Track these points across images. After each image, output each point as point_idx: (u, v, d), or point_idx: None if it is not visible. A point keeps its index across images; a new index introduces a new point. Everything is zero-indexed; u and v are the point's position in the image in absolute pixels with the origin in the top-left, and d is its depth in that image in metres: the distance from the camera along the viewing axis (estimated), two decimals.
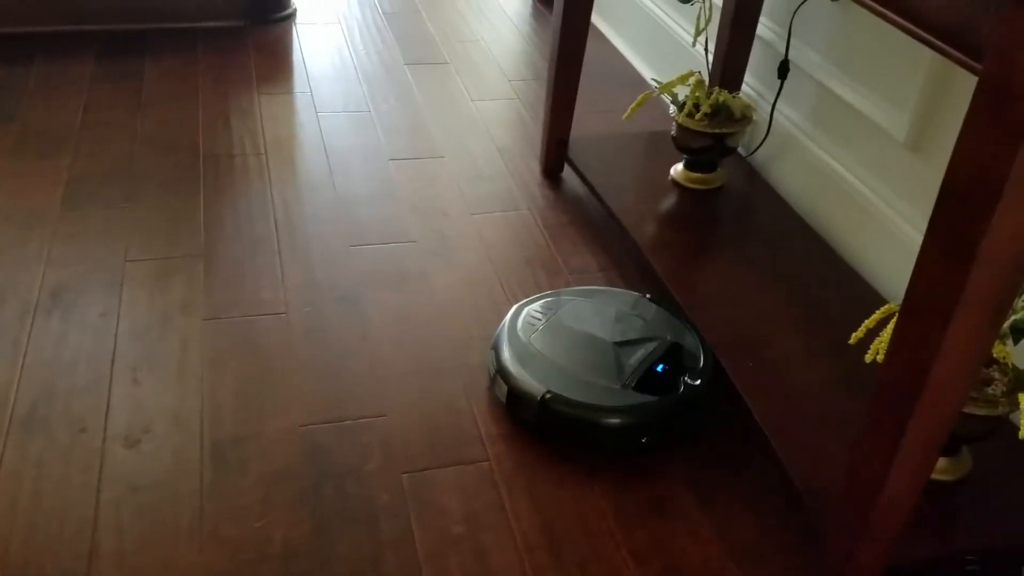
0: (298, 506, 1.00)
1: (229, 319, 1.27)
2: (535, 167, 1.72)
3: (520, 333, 1.17)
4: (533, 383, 1.09)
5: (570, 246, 1.51)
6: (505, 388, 1.11)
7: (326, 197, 1.57)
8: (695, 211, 1.50)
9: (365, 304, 1.32)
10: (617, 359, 1.11)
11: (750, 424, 1.06)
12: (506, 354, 1.14)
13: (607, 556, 0.97)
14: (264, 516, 0.99)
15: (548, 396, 1.07)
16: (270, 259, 1.40)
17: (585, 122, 1.79)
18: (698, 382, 1.09)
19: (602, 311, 1.21)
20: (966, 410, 0.92)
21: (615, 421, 1.06)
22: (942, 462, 0.99)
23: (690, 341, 1.18)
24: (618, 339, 1.15)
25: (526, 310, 1.22)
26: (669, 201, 1.53)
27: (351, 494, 1.02)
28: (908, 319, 0.75)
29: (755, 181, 1.60)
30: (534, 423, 1.10)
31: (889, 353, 0.78)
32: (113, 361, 1.18)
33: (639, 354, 1.12)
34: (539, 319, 1.19)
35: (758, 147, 1.64)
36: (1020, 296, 0.95)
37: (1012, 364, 0.92)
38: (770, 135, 1.61)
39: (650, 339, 1.15)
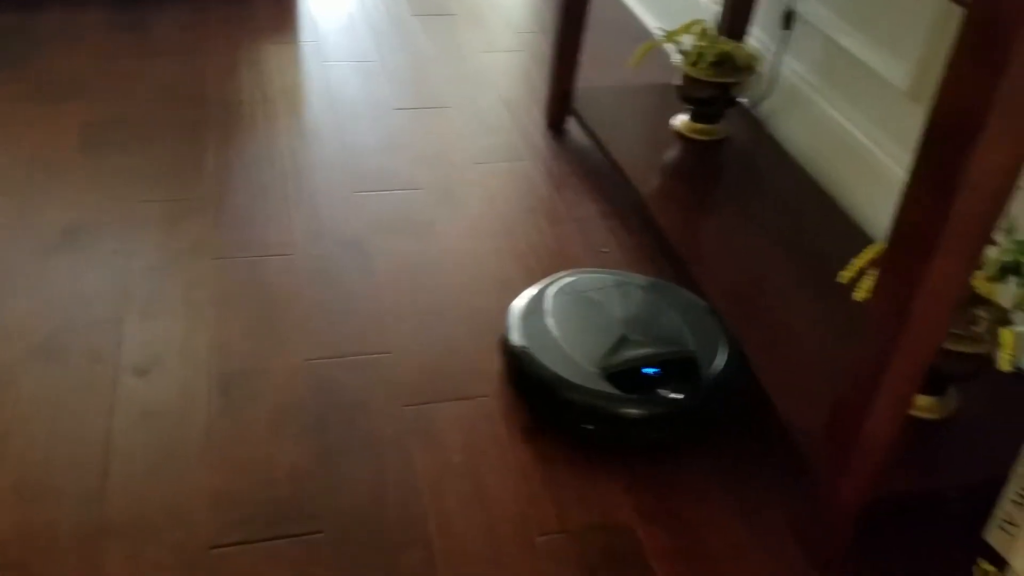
0: (305, 435, 1.04)
1: (238, 260, 1.30)
2: (539, 119, 1.74)
3: (549, 294, 1.15)
4: (518, 337, 1.09)
5: (573, 196, 1.53)
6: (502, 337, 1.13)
7: (332, 145, 1.59)
8: (698, 162, 1.52)
9: (371, 248, 1.35)
10: (616, 347, 1.06)
11: (754, 378, 1.09)
12: (517, 307, 1.14)
13: (602, 486, 1.01)
14: (272, 443, 1.02)
15: (520, 350, 1.07)
16: (278, 204, 1.42)
17: (590, 74, 1.80)
18: (680, 396, 1.01)
19: (644, 304, 1.14)
20: (952, 348, 0.94)
21: (565, 397, 1.02)
22: (928, 401, 1.02)
23: (724, 362, 1.07)
24: (634, 331, 1.08)
25: (577, 277, 1.19)
26: (672, 152, 1.55)
27: (356, 425, 1.06)
28: (894, 252, 0.77)
29: (759, 133, 1.61)
30: (511, 375, 1.10)
31: (876, 287, 0.80)
32: (126, 297, 1.21)
33: (640, 351, 1.05)
34: (576, 290, 1.16)
35: (763, 99, 1.65)
36: (1006, 236, 0.97)
37: (996, 302, 0.94)
38: (775, 87, 1.62)
39: (668, 342, 1.07)
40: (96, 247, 1.30)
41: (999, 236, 0.98)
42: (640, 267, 1.36)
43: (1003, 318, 0.94)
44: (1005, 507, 0.75)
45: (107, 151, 1.51)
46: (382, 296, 1.26)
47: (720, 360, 1.07)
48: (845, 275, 1.00)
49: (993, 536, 0.77)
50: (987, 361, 0.97)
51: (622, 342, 1.07)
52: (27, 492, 0.95)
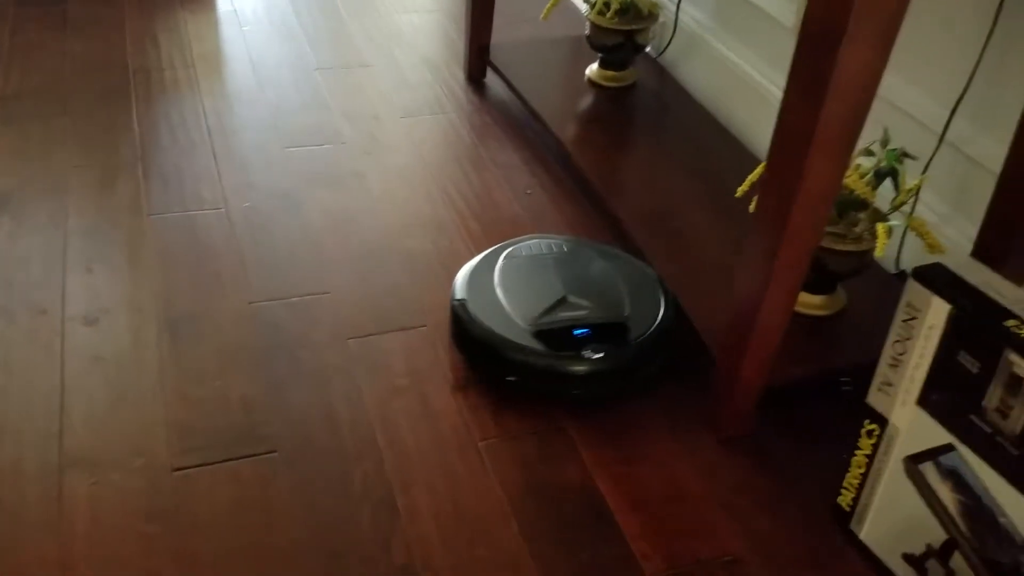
0: (254, 369, 1.10)
1: (173, 216, 1.34)
2: (459, 74, 1.81)
3: (502, 255, 1.18)
4: (460, 289, 1.13)
5: (496, 144, 1.60)
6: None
7: (256, 105, 1.63)
8: (610, 107, 1.61)
9: (303, 199, 1.40)
10: (552, 307, 1.10)
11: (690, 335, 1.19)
12: (468, 265, 1.18)
13: (535, 399, 1.10)
14: (223, 379, 1.08)
15: (457, 302, 1.12)
16: (206, 162, 1.46)
17: (506, 29, 1.87)
18: (599, 356, 1.05)
19: (592, 268, 1.17)
20: (837, 247, 1.06)
21: (491, 347, 1.07)
22: (820, 299, 1.13)
23: (655, 328, 1.10)
24: (574, 294, 1.12)
25: (530, 242, 1.21)
26: (586, 99, 1.64)
27: (302, 358, 1.12)
28: (775, 156, 0.87)
29: (664, 78, 1.71)
30: (451, 327, 1.14)
31: (762, 189, 0.90)
32: (65, 255, 1.24)
33: (574, 313, 1.09)
34: (527, 251, 1.19)
35: (666, 47, 1.75)
36: (885, 147, 1.09)
37: (874, 205, 1.06)
38: (676, 35, 1.72)
39: (604, 307, 1.10)
40: (30, 212, 1.32)
41: (876, 147, 1.10)
42: (561, 205, 1.45)
43: (880, 218, 1.06)
44: (882, 371, 0.86)
45: (31, 121, 1.52)
46: (318, 242, 1.32)
47: (653, 327, 1.10)
48: (741, 190, 1.11)
49: (874, 398, 0.88)
50: (869, 260, 1.09)
51: (561, 303, 1.10)
52: None
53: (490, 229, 1.38)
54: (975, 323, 0.76)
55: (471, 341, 1.10)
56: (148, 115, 1.57)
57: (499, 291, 1.13)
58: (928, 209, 1.20)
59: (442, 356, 1.15)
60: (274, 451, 1.00)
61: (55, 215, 1.32)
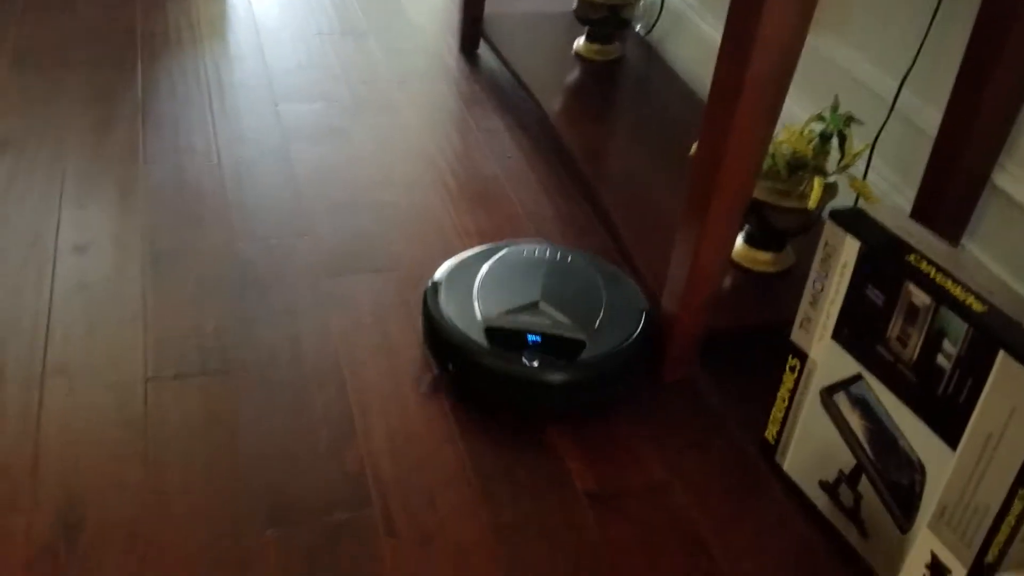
0: (228, 302, 1.17)
1: (166, 163, 1.41)
2: (453, 45, 1.87)
3: (503, 250, 1.17)
4: (442, 271, 1.14)
5: (481, 111, 1.67)
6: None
7: (255, 66, 1.70)
8: (594, 80, 1.67)
9: (291, 152, 1.47)
10: (519, 309, 1.07)
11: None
12: (464, 253, 1.17)
13: None
14: (199, 309, 1.15)
15: (430, 285, 1.12)
16: (202, 115, 1.54)
17: (502, 2, 1.93)
18: (535, 364, 1.02)
19: (583, 284, 1.13)
20: (783, 204, 1.11)
21: (440, 335, 1.06)
22: (768, 256, 1.19)
23: (614, 354, 1.05)
24: (548, 302, 1.08)
25: (538, 246, 1.19)
26: (572, 71, 1.69)
27: (275, 294, 1.19)
28: (711, 108, 0.93)
29: (651, 55, 1.77)
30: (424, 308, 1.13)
31: (700, 140, 0.96)
32: (62, 193, 1.32)
33: (536, 320, 1.06)
34: (529, 252, 1.17)
35: (654, 24, 1.81)
36: (833, 114, 1.14)
37: (815, 164, 1.11)
38: (664, 13, 1.77)
39: (569, 322, 1.06)
40: (30, 154, 1.40)
41: (827, 112, 1.15)
42: (537, 168, 1.51)
43: (820, 168, 1.11)
44: (803, 308, 0.92)
45: (39, 75, 1.60)
46: (299, 192, 1.39)
47: (613, 352, 1.05)
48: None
49: (796, 335, 0.94)
50: (814, 218, 1.14)
51: (530, 307, 1.08)
52: None
53: (466, 187, 1.45)
54: (880, 258, 0.82)
55: (428, 324, 1.09)
56: (151, 72, 1.65)
57: (478, 282, 1.11)
58: (880, 177, 1.25)
59: (408, 297, 1.21)
60: (243, 373, 1.07)
61: (55, 157, 1.39)
